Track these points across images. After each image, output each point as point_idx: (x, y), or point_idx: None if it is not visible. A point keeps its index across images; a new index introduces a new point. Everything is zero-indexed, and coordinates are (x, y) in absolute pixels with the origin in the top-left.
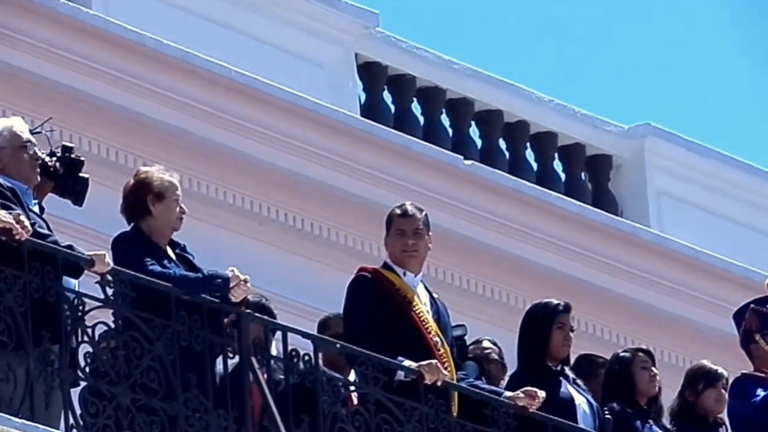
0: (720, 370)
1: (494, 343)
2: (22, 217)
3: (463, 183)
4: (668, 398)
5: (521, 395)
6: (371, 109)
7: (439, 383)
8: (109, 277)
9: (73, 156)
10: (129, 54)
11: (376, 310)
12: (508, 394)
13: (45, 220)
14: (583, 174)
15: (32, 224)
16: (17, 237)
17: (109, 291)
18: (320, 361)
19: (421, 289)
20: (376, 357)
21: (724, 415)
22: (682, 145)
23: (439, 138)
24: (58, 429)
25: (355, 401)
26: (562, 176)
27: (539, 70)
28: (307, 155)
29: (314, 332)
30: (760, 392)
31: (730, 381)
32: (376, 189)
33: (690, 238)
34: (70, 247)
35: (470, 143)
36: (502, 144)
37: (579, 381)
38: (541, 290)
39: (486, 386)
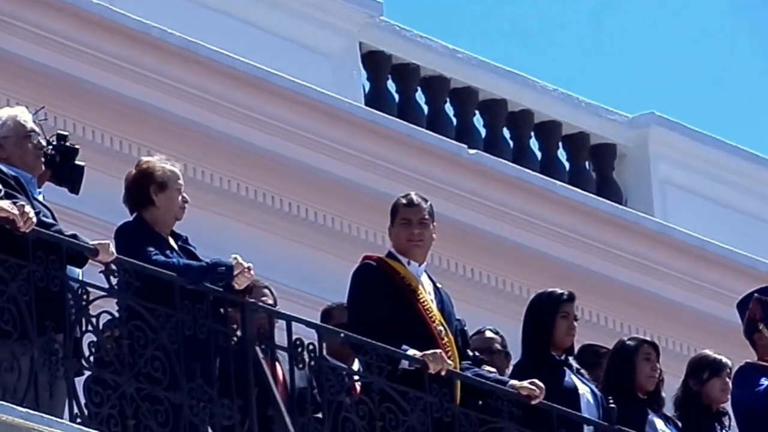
0: (724, 359)
1: (497, 333)
2: (27, 208)
3: (467, 172)
4: (672, 387)
5: (526, 385)
6: (375, 98)
7: (443, 372)
8: (114, 267)
9: (67, 144)
10: (132, 43)
11: (380, 299)
12: (513, 383)
13: (49, 208)
14: (587, 163)
15: (37, 213)
16: (21, 229)
17: (114, 280)
18: (324, 351)
19: (425, 279)
20: (381, 346)
21: (728, 405)
22: (686, 134)
23: (443, 127)
24: (62, 418)
25: (359, 390)
26: (566, 165)
27: (543, 60)
28: (311, 144)
29: (318, 321)
30: (764, 381)
31: (734, 370)
32: (380, 178)
33: (694, 227)
34: (74, 236)
35: (474, 132)
36: (506, 133)
37: (583, 371)
38: (544, 279)
39: (490, 375)
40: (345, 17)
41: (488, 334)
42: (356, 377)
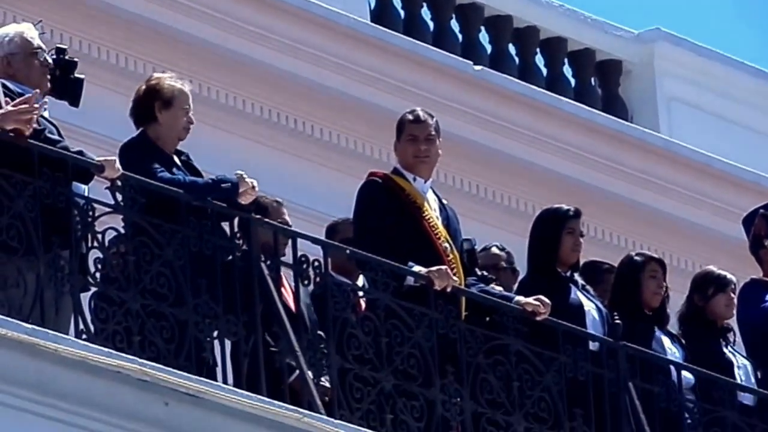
0: (729, 275)
1: (503, 249)
2: (23, 106)
3: (473, 88)
4: (676, 303)
5: (531, 301)
6: (381, 15)
7: (448, 289)
8: (119, 183)
9: (66, 57)
10: None
11: (385, 216)
12: (518, 299)
13: (55, 125)
14: (592, 79)
15: (42, 130)
16: (28, 131)
17: (119, 196)
18: (330, 267)
19: (430, 195)
20: (386, 262)
21: (733, 321)
22: (692, 50)
23: (448, 43)
24: (67, 335)
25: (364, 307)
26: (572, 82)
27: None
28: (316, 61)
29: (323, 238)
30: None
31: (739, 286)
32: (386, 95)
33: (700, 144)
34: (80, 152)
35: (480, 49)
36: (512, 49)
37: (588, 287)
38: (550, 195)
39: (495, 292)
40: None
41: (494, 250)
42: (361, 293)
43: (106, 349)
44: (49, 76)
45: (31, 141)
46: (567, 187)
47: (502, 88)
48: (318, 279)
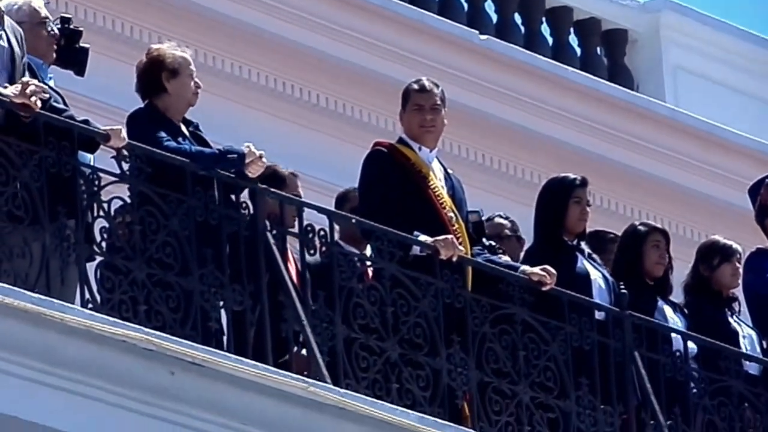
0: (735, 245)
1: (507, 218)
2: (31, 87)
3: (478, 58)
4: (682, 273)
5: (537, 271)
6: None
7: (454, 258)
8: (125, 152)
9: (71, 26)
10: None
11: (390, 185)
12: (524, 269)
13: (61, 94)
14: (598, 49)
15: (48, 99)
16: (35, 109)
17: (125, 166)
18: (336, 237)
19: (436, 165)
20: (392, 232)
21: (738, 291)
22: (698, 19)
23: (454, 12)
24: (73, 304)
25: (371, 276)
26: (578, 51)
27: None
28: (321, 30)
29: (330, 207)
30: None
31: (745, 256)
32: (391, 64)
33: (705, 113)
34: (86, 122)
35: (485, 18)
36: (518, 18)
37: (595, 256)
38: (555, 165)
39: (501, 261)
40: None
41: (498, 220)
42: (368, 263)
43: (112, 319)
44: (55, 46)
45: (38, 111)
46: (572, 157)
47: (508, 58)
48: (324, 248)
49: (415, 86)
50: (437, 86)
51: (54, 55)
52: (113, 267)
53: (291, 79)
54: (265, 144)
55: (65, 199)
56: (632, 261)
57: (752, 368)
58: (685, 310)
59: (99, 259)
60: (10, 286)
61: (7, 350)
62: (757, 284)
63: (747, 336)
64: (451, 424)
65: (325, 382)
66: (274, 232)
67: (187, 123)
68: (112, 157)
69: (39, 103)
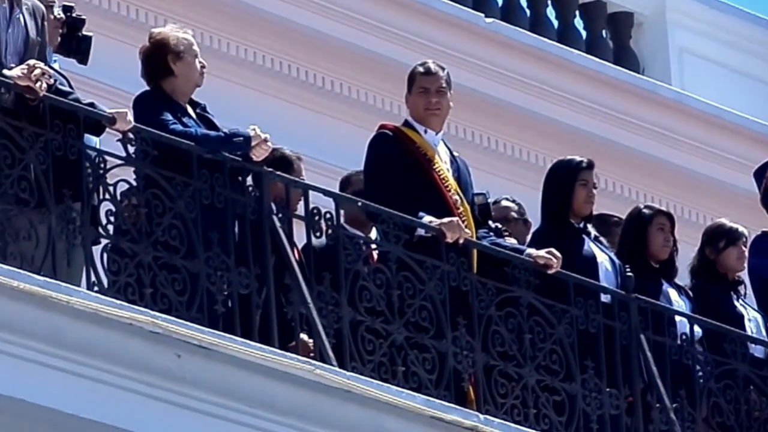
0: (741, 228)
1: (514, 201)
2: (36, 70)
3: (484, 41)
4: (688, 256)
5: (543, 254)
6: None
7: (460, 241)
8: (131, 135)
9: (74, 15)
10: None
11: (396, 168)
12: (530, 252)
13: (66, 77)
14: (604, 31)
15: (53, 82)
16: (40, 93)
17: (131, 149)
18: (342, 220)
19: (441, 148)
20: (397, 215)
21: (744, 274)
22: (704, 2)
23: None
24: (79, 287)
25: (376, 259)
26: (583, 34)
27: None
28: (327, 12)
29: (335, 190)
30: None
31: (750, 239)
32: (397, 47)
33: (711, 96)
34: (91, 104)
35: (491, 1)
36: (523, 1)
37: (602, 238)
38: (561, 148)
39: (507, 244)
40: None
41: (504, 203)
42: (373, 246)
43: (118, 302)
44: (60, 31)
45: (42, 94)
46: (578, 140)
47: (513, 41)
48: (330, 231)
49: (421, 69)
50: (443, 69)
51: (59, 39)
52: (119, 250)
53: (296, 61)
54: (269, 127)
55: (71, 182)
56: (637, 244)
57: (758, 351)
58: (690, 293)
59: (105, 242)
60: (17, 269)
61: (13, 333)
62: (762, 267)
63: (752, 319)
64: (457, 406)
65: (331, 364)
66: (280, 215)
67: (194, 105)
68: (118, 140)
69: (45, 86)
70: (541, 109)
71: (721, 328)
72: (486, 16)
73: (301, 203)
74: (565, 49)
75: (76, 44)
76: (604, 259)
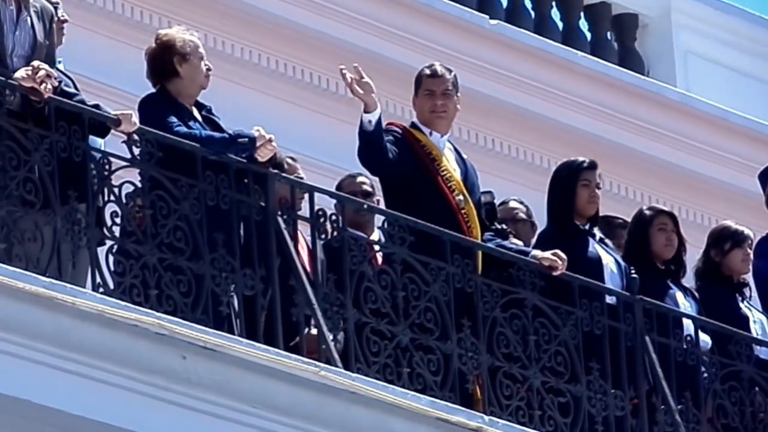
0: (746, 230)
1: (521, 202)
2: (41, 72)
3: (489, 42)
4: (693, 258)
5: (548, 255)
6: None
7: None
8: (136, 137)
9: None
10: None
11: (400, 165)
12: (535, 253)
13: (71, 77)
14: (609, 33)
15: (59, 83)
16: (45, 95)
17: (136, 150)
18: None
19: (448, 149)
20: (403, 217)
21: (749, 276)
22: (710, 3)
23: None
24: (85, 288)
25: (380, 261)
26: (588, 36)
27: None
28: (331, 15)
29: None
30: None
31: (755, 241)
32: (401, 49)
33: (716, 98)
34: (96, 106)
35: (495, 2)
36: (528, 3)
37: (607, 240)
38: (566, 150)
39: (513, 246)
40: None
41: (512, 204)
42: (377, 247)
43: (123, 303)
44: (64, 31)
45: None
46: (583, 142)
47: (518, 43)
48: (335, 233)
49: (427, 71)
50: (449, 71)
51: (63, 39)
52: (125, 251)
53: (300, 63)
54: (272, 128)
55: (76, 183)
56: (641, 245)
57: (763, 353)
58: (696, 295)
59: (110, 243)
60: (22, 270)
61: (19, 334)
62: (767, 270)
63: (757, 321)
64: (462, 408)
65: (336, 366)
66: (285, 216)
67: (200, 106)
68: (123, 141)
69: (49, 88)
70: (546, 111)
71: (726, 329)
72: (490, 18)
73: (305, 205)
74: (569, 50)
75: None
76: (609, 261)
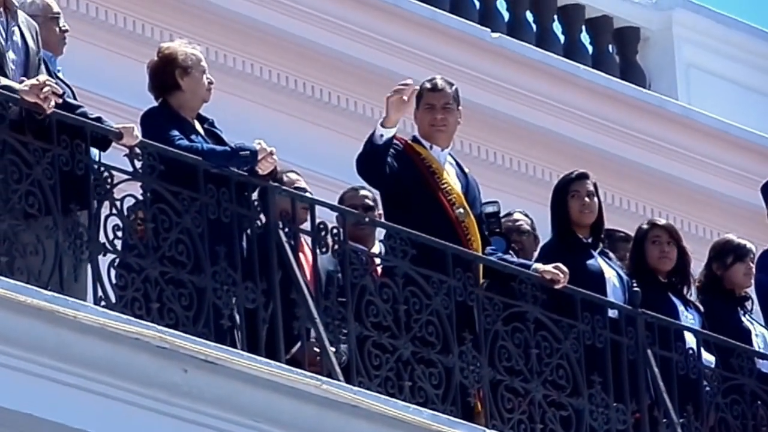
0: (748, 244)
1: (526, 215)
2: (46, 88)
3: (490, 56)
4: (695, 271)
5: (550, 269)
6: None
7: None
8: (138, 150)
9: None
10: None
11: (400, 178)
12: (537, 266)
13: (70, 86)
14: (610, 46)
15: (62, 94)
16: (47, 111)
17: (138, 164)
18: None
19: (449, 163)
20: (404, 230)
21: (751, 290)
22: (711, 16)
23: (466, 10)
24: (86, 301)
25: (380, 273)
26: (590, 49)
27: None
28: (332, 28)
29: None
30: None
31: (757, 254)
32: (403, 62)
33: (718, 111)
34: (99, 119)
35: (497, 16)
36: (530, 16)
37: (610, 254)
38: (568, 163)
39: (514, 260)
40: None
41: (516, 215)
42: (378, 260)
43: (125, 316)
44: (65, 41)
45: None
46: (584, 155)
47: (520, 56)
48: (336, 246)
49: (428, 85)
50: (451, 85)
51: (64, 50)
52: (126, 265)
53: (302, 77)
54: (274, 141)
55: (78, 196)
56: (639, 259)
57: (765, 366)
58: (701, 307)
59: (111, 256)
60: (24, 284)
61: (20, 347)
62: None
63: (759, 334)
64: (464, 421)
65: (338, 379)
66: (287, 229)
67: (202, 120)
68: (125, 155)
69: (53, 104)
70: (548, 124)
71: (729, 343)
72: (492, 31)
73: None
74: (571, 64)
75: None
76: (612, 275)
